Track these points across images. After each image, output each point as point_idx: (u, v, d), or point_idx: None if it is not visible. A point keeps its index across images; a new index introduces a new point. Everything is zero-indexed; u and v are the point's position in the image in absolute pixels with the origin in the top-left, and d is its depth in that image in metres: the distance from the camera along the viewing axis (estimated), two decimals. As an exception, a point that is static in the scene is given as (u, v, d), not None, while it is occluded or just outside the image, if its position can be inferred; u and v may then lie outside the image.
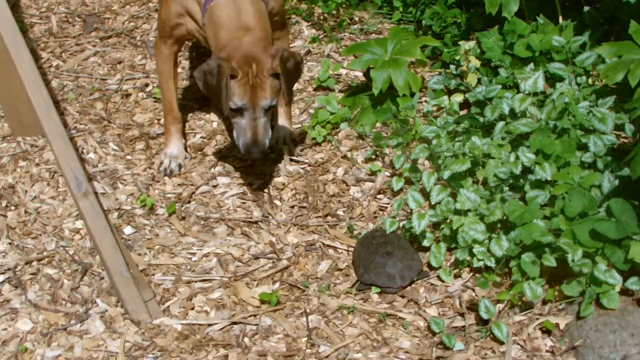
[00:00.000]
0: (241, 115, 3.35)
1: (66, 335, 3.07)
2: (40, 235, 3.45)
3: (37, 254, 3.37)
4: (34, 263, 3.33)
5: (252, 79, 3.28)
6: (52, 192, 3.63)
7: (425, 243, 3.30)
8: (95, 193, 3.45)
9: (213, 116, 4.04)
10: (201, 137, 3.94)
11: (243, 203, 3.61)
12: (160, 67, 3.72)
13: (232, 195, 3.65)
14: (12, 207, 3.56)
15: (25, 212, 3.54)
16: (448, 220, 3.25)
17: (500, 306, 3.09)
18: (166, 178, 3.71)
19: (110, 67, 4.41)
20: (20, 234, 3.45)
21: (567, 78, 3.67)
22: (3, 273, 3.29)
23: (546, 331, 3.00)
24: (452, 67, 3.98)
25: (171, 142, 3.81)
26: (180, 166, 3.78)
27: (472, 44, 3.87)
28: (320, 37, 4.59)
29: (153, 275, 3.29)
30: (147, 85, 4.27)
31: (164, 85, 3.74)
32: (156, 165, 3.81)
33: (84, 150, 3.82)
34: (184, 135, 3.91)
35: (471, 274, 3.24)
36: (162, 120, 3.91)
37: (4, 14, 3.53)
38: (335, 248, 3.41)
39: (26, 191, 3.63)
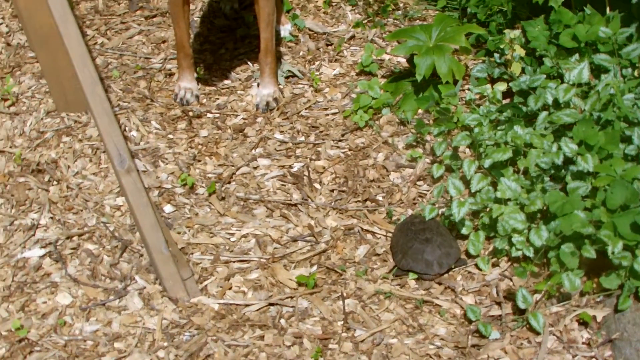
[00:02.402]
0: None
1: (104, 311, 3.11)
2: (82, 210, 3.49)
3: (78, 229, 3.41)
4: (75, 238, 3.37)
5: None
6: (94, 169, 3.67)
7: (464, 231, 3.31)
8: (137, 170, 3.48)
9: (254, 98, 4.06)
10: (242, 119, 3.96)
11: (283, 185, 3.63)
12: (171, 9, 3.94)
13: (272, 177, 3.67)
14: (55, 182, 3.60)
15: (68, 187, 3.58)
16: (488, 209, 3.26)
17: (537, 296, 3.09)
18: (206, 158, 3.74)
19: (154, 46, 4.44)
20: (62, 208, 3.50)
21: (612, 70, 3.64)
22: (44, 247, 3.33)
23: (583, 323, 3.00)
24: (496, 55, 3.96)
25: (184, 76, 4.06)
26: (196, 97, 4.07)
27: (517, 32, 3.86)
28: (364, 21, 4.59)
29: (192, 254, 3.33)
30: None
31: (175, 25, 3.96)
32: (172, 96, 4.07)
33: (127, 128, 3.86)
34: (195, 69, 4.13)
35: (509, 263, 3.24)
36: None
37: (53, -11, 3.58)
38: (373, 233, 3.42)
39: (69, 166, 3.67)
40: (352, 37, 4.46)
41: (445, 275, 3.24)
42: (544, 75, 3.65)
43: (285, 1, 4.57)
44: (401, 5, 4.70)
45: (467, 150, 3.65)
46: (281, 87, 4.12)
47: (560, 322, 3.01)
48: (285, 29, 4.45)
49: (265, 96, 4.03)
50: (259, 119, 3.95)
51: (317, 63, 4.30)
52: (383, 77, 4.16)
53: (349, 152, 3.77)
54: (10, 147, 3.74)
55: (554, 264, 3.10)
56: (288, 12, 4.60)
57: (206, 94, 4.10)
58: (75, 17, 3.67)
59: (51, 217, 3.45)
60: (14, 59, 4.23)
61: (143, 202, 3.30)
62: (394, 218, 3.46)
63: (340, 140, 3.83)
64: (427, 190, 3.59)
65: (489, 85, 3.79)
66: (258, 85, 4.08)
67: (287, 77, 4.20)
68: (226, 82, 4.19)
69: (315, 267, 3.29)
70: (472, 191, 3.33)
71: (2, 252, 3.31)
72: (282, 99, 4.06)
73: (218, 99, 4.09)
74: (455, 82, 3.87)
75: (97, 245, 3.35)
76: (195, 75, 4.10)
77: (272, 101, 4.02)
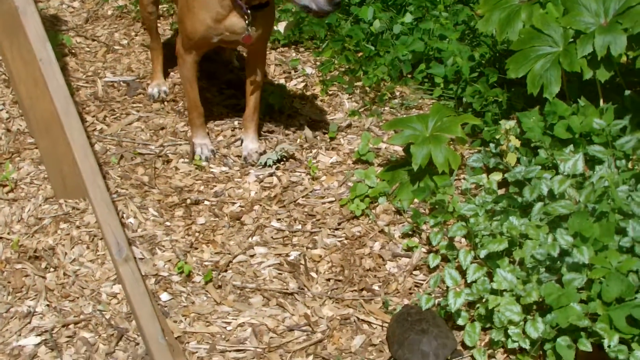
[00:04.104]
0: None
1: (100, 400, 3.12)
2: (78, 298, 3.51)
3: (74, 316, 3.43)
4: (71, 326, 3.39)
5: None
6: (91, 256, 3.70)
7: (460, 322, 3.33)
8: (135, 259, 3.51)
9: (252, 185, 4.12)
10: (239, 206, 4.01)
11: (279, 274, 3.66)
12: (186, 74, 4.21)
13: (268, 266, 3.70)
14: (52, 269, 3.63)
15: (64, 274, 3.61)
16: (484, 300, 3.28)
17: (534, 389, 3.10)
18: (203, 246, 3.78)
19: (152, 132, 4.51)
20: (59, 296, 3.52)
21: (606, 161, 3.68)
22: (40, 335, 3.34)
23: (580, 416, 3.01)
24: (491, 145, 4.02)
25: (197, 133, 4.34)
26: (213, 152, 4.35)
27: (512, 123, 3.91)
28: (360, 110, 4.67)
29: (188, 343, 3.34)
30: (188, 152, 4.36)
31: (189, 88, 4.25)
32: (190, 155, 4.30)
33: (124, 215, 3.90)
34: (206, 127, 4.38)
35: (505, 355, 3.25)
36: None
37: (56, 79, 3.64)
38: (369, 323, 3.44)
39: (66, 253, 3.70)
40: (349, 125, 4.54)
41: (442, 366, 3.25)
42: (539, 166, 3.68)
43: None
44: (398, 94, 4.79)
45: (463, 240, 3.69)
46: (275, 166, 4.25)
47: (557, 416, 3.02)
48: None
49: (251, 150, 4.32)
50: (256, 207, 4.00)
51: (314, 151, 4.36)
52: (379, 165, 4.22)
53: (345, 241, 3.81)
54: (8, 234, 3.78)
55: (550, 356, 3.11)
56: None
57: (204, 181, 4.16)
58: (75, 105, 3.74)
59: (47, 305, 3.47)
60: (13, 145, 4.28)
61: (140, 291, 3.33)
62: (390, 308, 3.49)
63: (337, 229, 3.88)
64: (424, 280, 3.62)
65: (484, 175, 3.83)
66: (242, 141, 4.37)
67: (281, 160, 4.28)
68: (224, 169, 4.25)
69: (311, 357, 3.30)
70: (468, 282, 3.36)
71: (-2, 340, 3.33)
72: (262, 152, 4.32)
73: (215, 186, 4.14)
74: (451, 171, 3.92)
75: (93, 333, 3.36)
76: (207, 131, 4.39)
77: (257, 155, 4.29)
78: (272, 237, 3.84)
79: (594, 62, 3.80)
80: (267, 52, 5.08)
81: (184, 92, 4.31)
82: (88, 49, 5.23)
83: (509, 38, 4.10)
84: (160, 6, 4.64)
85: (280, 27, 4.89)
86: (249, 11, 3.85)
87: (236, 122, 4.55)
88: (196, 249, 3.78)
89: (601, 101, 3.92)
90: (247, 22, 3.88)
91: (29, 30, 3.64)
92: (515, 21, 4.09)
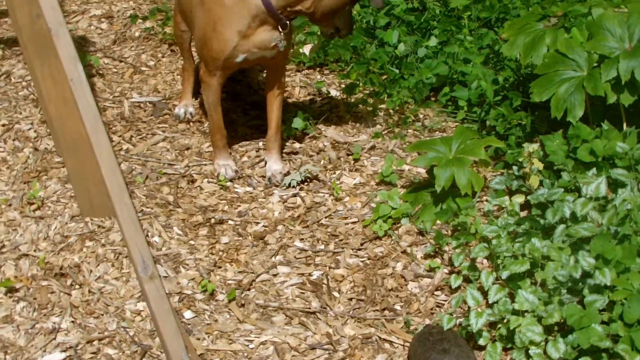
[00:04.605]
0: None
1: (123, 415, 3.17)
2: (103, 315, 3.56)
3: (99, 333, 3.47)
4: (95, 342, 3.43)
5: None
6: (116, 273, 3.75)
7: (482, 342, 3.34)
8: (159, 277, 3.56)
9: (276, 206, 4.17)
10: (263, 226, 4.06)
11: (302, 293, 3.70)
12: (210, 98, 4.28)
13: (291, 285, 3.74)
14: (77, 286, 3.68)
15: (89, 291, 3.66)
16: (505, 320, 3.29)
17: (555, 410, 3.11)
18: (226, 265, 3.82)
19: (178, 152, 4.57)
20: (83, 312, 3.57)
21: (629, 184, 3.69)
22: (65, 351, 3.38)
23: None
24: (514, 168, 4.03)
25: (220, 155, 4.41)
26: (236, 171, 4.39)
27: (535, 146, 3.91)
28: (384, 132, 4.71)
29: (211, 360, 3.39)
30: (212, 172, 4.42)
31: (214, 111, 4.31)
32: (215, 174, 4.36)
33: (149, 234, 3.95)
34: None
35: (527, 375, 3.28)
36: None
37: (86, 98, 3.70)
38: (391, 342, 3.46)
39: (91, 271, 3.76)
40: (373, 147, 4.58)
41: (463, 386, 3.27)
42: (562, 189, 3.68)
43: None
44: (421, 116, 4.84)
45: (485, 261, 3.71)
46: (299, 187, 4.31)
47: None
48: None
49: (275, 171, 4.36)
50: (280, 227, 4.04)
51: (337, 172, 4.41)
52: (403, 187, 4.26)
53: (367, 261, 3.85)
54: (35, 251, 3.84)
55: (571, 377, 3.13)
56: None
57: (228, 201, 4.21)
58: (104, 126, 3.80)
59: (72, 321, 3.52)
60: (40, 164, 4.35)
61: (165, 308, 3.38)
62: (411, 327, 3.51)
63: (360, 249, 3.91)
64: (445, 300, 3.64)
65: (507, 198, 3.83)
66: (265, 162, 4.42)
67: (304, 181, 4.32)
68: (248, 189, 4.30)
69: (333, 376, 3.34)
70: (490, 302, 3.37)
71: (23, 356, 3.36)
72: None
73: (239, 206, 4.19)
74: (474, 193, 3.95)
75: (117, 350, 3.41)
76: (230, 152, 4.47)
77: (281, 176, 4.34)
78: (295, 257, 3.88)
79: (618, 87, 3.84)
80: (292, 74, 5.15)
81: (208, 115, 4.36)
82: (115, 70, 5.31)
83: (533, 62, 4.13)
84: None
85: (306, 49, 4.95)
86: (287, 22, 3.95)
87: (260, 143, 4.60)
88: (220, 267, 3.82)
89: (624, 125, 3.94)
90: (282, 34, 3.95)
91: (60, 51, 3.70)
92: (540, 45, 4.13)
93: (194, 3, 4.17)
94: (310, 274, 3.79)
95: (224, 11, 3.95)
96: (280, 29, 3.99)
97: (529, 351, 3.19)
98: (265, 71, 4.50)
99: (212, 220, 4.08)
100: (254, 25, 3.94)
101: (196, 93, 4.91)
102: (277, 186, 4.30)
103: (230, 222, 4.08)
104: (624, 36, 3.90)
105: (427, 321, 3.55)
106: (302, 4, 3.95)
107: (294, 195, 4.25)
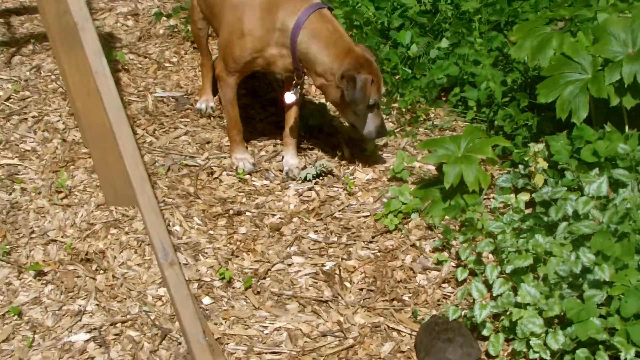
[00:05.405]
0: (372, 108, 4.13)
1: (144, 395, 3.22)
2: (125, 299, 3.62)
3: (122, 316, 3.53)
4: (118, 325, 3.49)
5: (376, 77, 4.07)
6: (139, 260, 3.81)
7: (485, 332, 3.38)
8: (179, 264, 3.62)
9: (291, 199, 4.22)
10: (279, 218, 4.11)
11: (315, 282, 3.75)
12: (228, 96, 4.35)
13: (305, 275, 3.79)
14: (102, 271, 3.74)
15: (113, 276, 3.72)
16: (508, 312, 3.33)
17: (553, 398, 3.16)
18: (243, 254, 3.87)
19: (199, 146, 4.61)
20: (107, 296, 3.63)
21: (630, 184, 3.71)
22: (89, 332, 3.45)
23: None
24: (520, 167, 4.04)
25: (237, 149, 4.47)
26: (253, 165, 4.44)
27: (541, 146, 3.92)
28: (396, 130, 4.75)
29: (227, 344, 3.43)
30: (230, 165, 4.48)
31: (230, 107, 4.39)
32: (235, 168, 4.41)
33: (170, 223, 4.01)
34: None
35: (527, 365, 3.32)
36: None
37: (110, 90, 3.74)
38: (399, 331, 3.51)
39: (115, 257, 3.82)
40: (385, 145, 4.62)
41: (466, 374, 3.31)
42: (565, 188, 3.72)
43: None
44: (432, 115, 4.87)
45: (491, 255, 3.74)
46: (314, 181, 4.35)
47: None
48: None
49: (292, 165, 4.42)
50: (295, 219, 4.09)
51: (351, 168, 4.46)
52: (413, 183, 4.30)
53: (378, 254, 3.89)
54: (62, 237, 3.90)
55: (569, 367, 3.18)
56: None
57: (246, 193, 4.26)
58: (127, 117, 3.84)
59: (97, 304, 3.58)
60: (68, 154, 4.41)
61: (184, 294, 3.43)
62: (419, 317, 3.55)
63: (371, 242, 3.96)
64: (451, 292, 3.68)
65: (512, 195, 3.86)
66: (282, 157, 4.47)
67: (319, 176, 4.36)
68: (265, 182, 4.35)
69: (342, 362, 3.38)
70: (494, 295, 3.41)
71: (50, 335, 3.44)
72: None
73: (257, 198, 4.24)
74: (481, 190, 3.98)
75: (139, 332, 3.47)
76: (246, 146, 4.53)
77: (298, 170, 4.39)
78: (309, 248, 3.93)
79: (621, 90, 3.86)
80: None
81: (225, 111, 4.42)
82: (140, 66, 5.36)
83: (540, 64, 4.15)
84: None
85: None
86: (303, 73, 4.13)
87: (278, 139, 4.64)
88: (237, 256, 3.87)
89: (626, 127, 3.95)
90: (297, 84, 4.18)
91: (85, 45, 3.74)
92: (547, 48, 4.14)
93: (225, 5, 4.18)
94: (323, 265, 3.84)
95: (252, 29, 4.05)
96: (296, 78, 4.14)
97: (530, 342, 3.23)
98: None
99: (231, 212, 4.13)
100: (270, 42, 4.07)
101: (216, 88, 4.95)
102: (293, 180, 4.35)
103: (247, 213, 4.14)
104: (627, 41, 3.92)
105: (434, 312, 3.59)
106: (312, 78, 4.16)
107: (309, 189, 4.30)
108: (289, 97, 4.26)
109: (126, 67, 5.29)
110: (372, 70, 4.02)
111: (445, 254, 3.85)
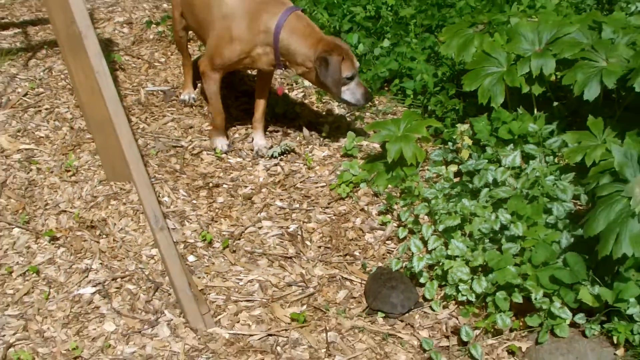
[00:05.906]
0: (350, 81, 4.02)
1: (140, 337, 3.18)
2: (124, 258, 3.57)
3: (121, 273, 3.49)
4: (119, 280, 3.46)
5: (346, 56, 3.95)
6: (135, 226, 3.76)
7: (422, 280, 3.39)
8: (168, 228, 3.57)
9: (261, 173, 4.18)
10: (251, 189, 4.06)
11: (281, 242, 3.72)
12: (212, 89, 4.19)
13: (273, 236, 3.75)
14: (104, 236, 3.69)
15: (114, 240, 3.67)
16: (440, 263, 3.34)
17: (477, 332, 3.17)
18: (221, 219, 3.83)
19: (183, 130, 4.55)
20: (109, 257, 3.58)
21: (538, 157, 3.75)
22: (95, 286, 3.41)
23: (511, 352, 3.08)
24: (449, 143, 4.06)
25: (218, 133, 4.35)
26: (229, 145, 4.36)
27: (466, 126, 3.96)
28: (347, 115, 4.72)
29: (209, 294, 3.40)
30: (210, 146, 4.41)
31: (215, 99, 4.23)
32: (214, 149, 4.32)
33: (160, 195, 3.95)
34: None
35: (456, 306, 3.33)
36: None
37: (109, 87, 3.67)
38: (351, 280, 3.50)
39: (115, 224, 3.76)
40: (338, 127, 4.59)
41: (407, 314, 3.31)
42: (486, 160, 3.75)
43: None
44: (377, 102, 4.84)
45: (426, 217, 3.73)
46: (279, 158, 4.29)
47: (494, 352, 3.09)
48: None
49: (261, 145, 4.35)
50: (264, 190, 4.05)
51: (310, 146, 4.42)
52: (362, 158, 4.26)
53: (333, 217, 3.87)
54: (71, 208, 3.84)
55: (490, 306, 3.18)
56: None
57: (223, 169, 4.22)
58: (124, 108, 3.77)
59: (101, 263, 3.54)
60: (75, 140, 4.33)
61: (172, 253, 3.39)
62: (367, 269, 3.55)
63: (327, 208, 3.93)
64: (394, 248, 3.67)
65: (443, 167, 3.87)
66: (252, 138, 4.40)
67: (284, 153, 4.32)
68: (239, 159, 4.30)
69: (305, 307, 3.36)
70: (429, 249, 3.42)
71: (63, 289, 3.39)
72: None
73: (232, 173, 4.19)
74: (418, 163, 3.96)
75: (136, 285, 3.43)
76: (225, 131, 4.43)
77: (266, 149, 4.33)
78: (275, 213, 3.90)
79: (530, 80, 3.86)
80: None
81: (209, 103, 4.31)
82: (134, 65, 5.27)
83: (465, 60, 4.14)
84: (189, 32, 4.68)
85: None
86: (284, 68, 4.05)
87: (249, 124, 4.59)
88: (216, 222, 3.83)
89: (535, 110, 3.96)
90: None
91: (88, 49, 3.67)
92: (470, 46, 4.13)
93: (213, 13, 4.03)
94: (287, 227, 3.80)
95: (241, 35, 3.96)
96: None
97: (459, 287, 3.25)
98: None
99: (210, 184, 4.08)
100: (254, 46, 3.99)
101: (196, 82, 4.89)
102: (262, 157, 4.31)
103: (224, 185, 4.09)
104: (535, 40, 3.92)
105: (380, 264, 3.58)
106: (294, 69, 4.06)
107: (275, 164, 4.26)
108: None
109: (122, 66, 5.20)
110: (341, 51, 3.94)
111: (389, 216, 3.83)
